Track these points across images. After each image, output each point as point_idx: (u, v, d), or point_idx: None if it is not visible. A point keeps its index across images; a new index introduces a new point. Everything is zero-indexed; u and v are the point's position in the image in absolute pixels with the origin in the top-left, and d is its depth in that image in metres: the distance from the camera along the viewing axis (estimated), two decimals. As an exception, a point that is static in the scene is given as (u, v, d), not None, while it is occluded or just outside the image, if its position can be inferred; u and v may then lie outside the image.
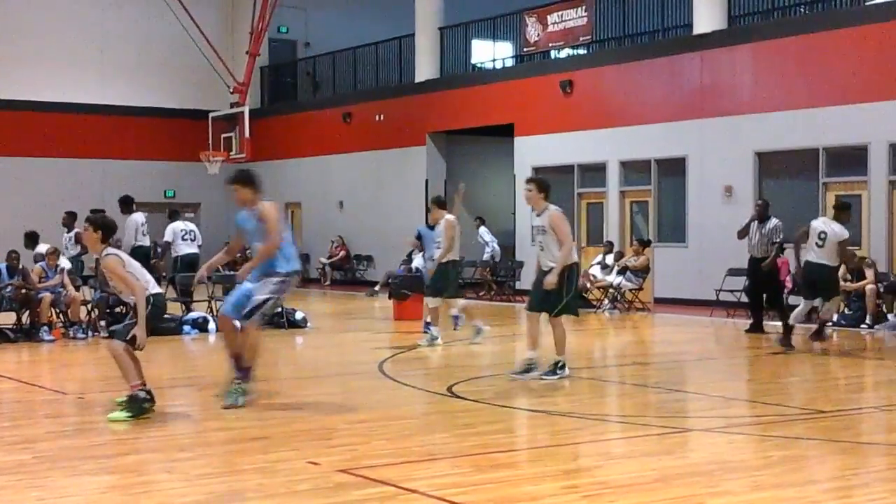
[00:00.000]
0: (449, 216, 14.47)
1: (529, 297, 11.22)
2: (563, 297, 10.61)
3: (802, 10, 20.86)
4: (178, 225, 19.10)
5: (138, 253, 16.09)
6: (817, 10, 20.60)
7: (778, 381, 11.42)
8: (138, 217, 17.92)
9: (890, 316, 16.46)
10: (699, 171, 21.09)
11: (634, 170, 22.66)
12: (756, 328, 15.56)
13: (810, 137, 19.23)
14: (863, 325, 16.22)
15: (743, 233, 15.72)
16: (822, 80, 19.29)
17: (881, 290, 16.68)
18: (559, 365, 10.74)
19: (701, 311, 18.81)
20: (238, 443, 7.79)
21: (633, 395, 10.49)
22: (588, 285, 20.18)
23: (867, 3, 19.67)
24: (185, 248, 18.86)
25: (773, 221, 15.51)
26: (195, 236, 19.12)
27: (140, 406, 8.50)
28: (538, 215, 10.97)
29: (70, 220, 18.67)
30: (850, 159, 18.88)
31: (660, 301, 20.71)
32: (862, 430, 8.80)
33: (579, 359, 12.57)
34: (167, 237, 19.12)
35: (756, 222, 15.55)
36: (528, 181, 11.27)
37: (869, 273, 16.65)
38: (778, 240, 15.45)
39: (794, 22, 20.46)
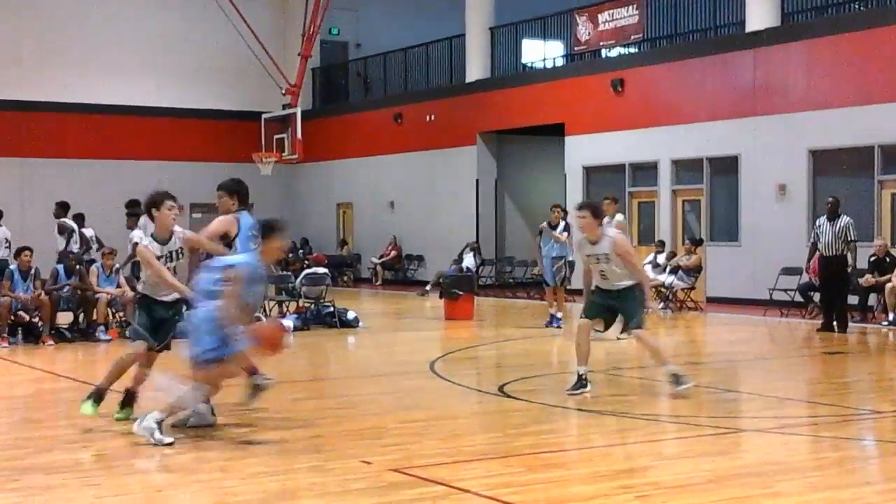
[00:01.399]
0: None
1: (591, 311, 10.13)
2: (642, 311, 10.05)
3: (855, 6, 20.61)
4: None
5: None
6: (870, 7, 20.35)
7: (833, 380, 11.31)
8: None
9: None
10: (752, 169, 20.89)
11: (686, 168, 22.50)
12: (827, 328, 15.41)
13: (865, 135, 18.99)
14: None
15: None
16: (877, 76, 19.05)
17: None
18: (676, 375, 9.97)
19: (754, 310, 18.64)
20: (291, 442, 7.84)
21: (686, 396, 10.44)
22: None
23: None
24: None
25: (845, 219, 15.43)
26: None
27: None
28: (593, 243, 9.95)
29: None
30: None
31: (712, 300, 20.54)
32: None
33: (630, 359, 12.52)
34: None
35: (827, 220, 15.46)
36: (581, 207, 10.21)
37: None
38: (853, 238, 15.34)
39: (846, 19, 20.22)
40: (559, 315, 16.21)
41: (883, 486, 6.74)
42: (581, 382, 9.85)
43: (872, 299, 17.00)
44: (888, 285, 16.34)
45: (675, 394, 9.69)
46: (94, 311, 14.96)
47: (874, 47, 19.15)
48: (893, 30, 18.89)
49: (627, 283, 9.92)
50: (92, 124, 30.59)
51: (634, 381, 11.16)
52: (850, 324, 15.60)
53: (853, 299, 16.50)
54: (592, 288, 10.08)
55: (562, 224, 16.29)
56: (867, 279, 16.66)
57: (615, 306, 9.97)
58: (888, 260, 16.87)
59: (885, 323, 16.11)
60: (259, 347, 7.76)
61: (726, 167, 21.61)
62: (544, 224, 16.48)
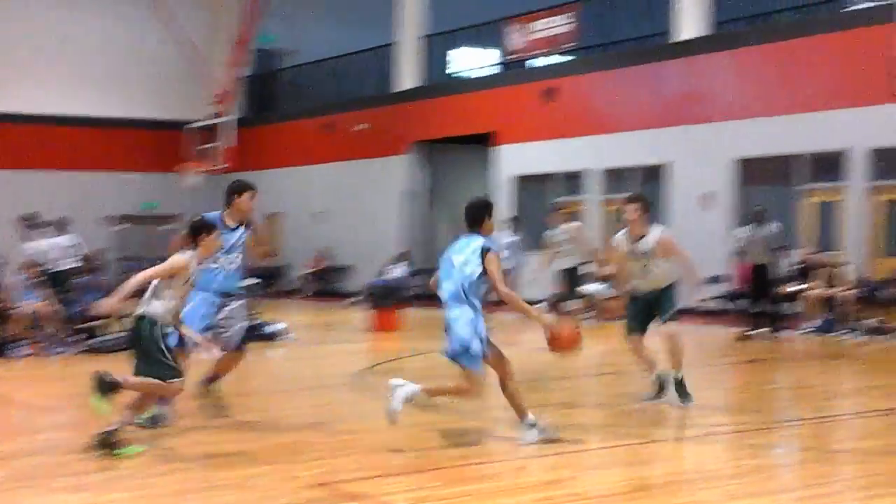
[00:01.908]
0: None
1: (637, 322, 9.95)
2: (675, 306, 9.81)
3: (783, 16, 20.96)
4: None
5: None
6: (797, 17, 20.70)
7: (756, 388, 11.43)
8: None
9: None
10: (680, 178, 21.12)
11: (616, 177, 22.68)
12: (754, 334, 15.64)
13: (791, 143, 19.30)
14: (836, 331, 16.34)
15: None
16: (803, 85, 19.37)
17: (858, 296, 16.73)
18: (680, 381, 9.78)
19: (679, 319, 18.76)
20: (213, 458, 7.73)
21: (611, 406, 10.48)
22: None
23: (844, 10, 19.74)
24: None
25: (775, 226, 15.69)
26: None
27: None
28: (636, 241, 9.64)
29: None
30: (830, 165, 18.95)
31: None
32: (835, 438, 8.81)
33: (556, 369, 12.54)
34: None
35: (754, 227, 15.68)
36: (631, 199, 9.83)
37: (844, 278, 16.74)
38: (781, 245, 15.60)
39: (774, 28, 20.55)
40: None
41: (801, 493, 6.82)
42: (662, 387, 9.72)
43: (792, 307, 17.27)
44: (811, 293, 16.61)
45: (679, 406, 9.62)
46: (10, 325, 14.54)
47: (800, 57, 19.47)
48: (818, 39, 19.24)
49: (668, 281, 9.70)
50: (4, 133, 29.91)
51: (558, 391, 11.18)
52: (764, 330, 15.83)
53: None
54: (630, 291, 9.86)
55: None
56: (789, 287, 16.90)
57: (652, 304, 9.80)
58: (812, 268, 17.15)
59: (808, 329, 16.35)
60: (558, 346, 8.22)
61: (655, 176, 21.82)
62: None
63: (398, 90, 28.17)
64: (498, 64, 26.99)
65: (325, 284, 29.34)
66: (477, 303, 7.88)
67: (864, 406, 10.26)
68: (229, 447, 8.03)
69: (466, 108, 26.07)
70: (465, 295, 7.83)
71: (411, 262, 25.39)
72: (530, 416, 8.04)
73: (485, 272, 7.81)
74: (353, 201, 29.12)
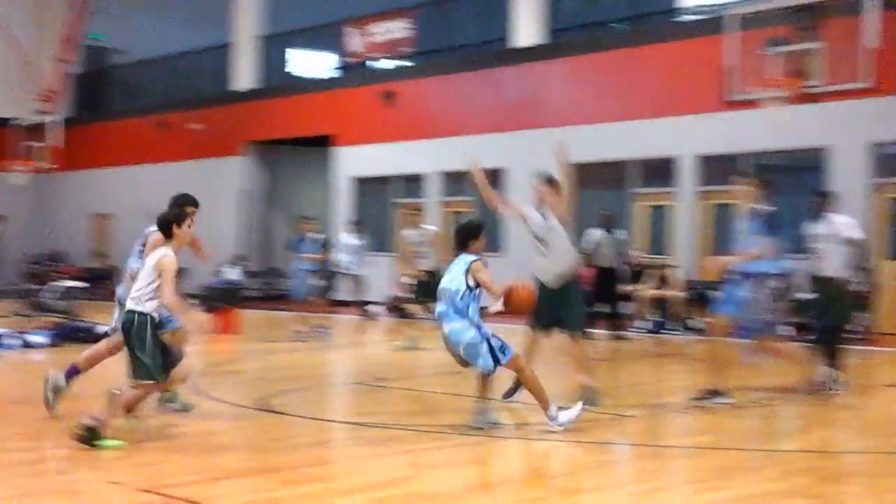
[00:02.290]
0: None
1: (541, 314, 9.71)
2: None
3: (617, 25, 21.44)
4: None
5: None
6: (631, 27, 21.21)
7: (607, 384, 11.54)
8: None
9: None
10: (517, 182, 21.35)
11: (455, 181, 22.79)
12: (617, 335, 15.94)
13: (624, 149, 19.73)
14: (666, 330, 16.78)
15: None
16: (636, 93, 19.84)
17: (687, 297, 17.23)
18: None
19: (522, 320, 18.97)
20: (37, 464, 7.38)
21: (447, 404, 10.45)
22: (403, 295, 20.19)
23: (676, 21, 20.33)
24: None
25: (622, 232, 16.03)
26: None
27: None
28: (545, 216, 9.61)
29: None
30: (661, 171, 19.45)
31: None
32: (665, 434, 8.98)
33: (395, 369, 12.49)
34: None
35: (604, 232, 15.93)
36: (543, 180, 9.78)
37: (675, 280, 17.21)
38: (628, 250, 15.90)
39: (609, 37, 21.00)
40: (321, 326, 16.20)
41: (633, 488, 6.90)
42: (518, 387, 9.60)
43: (626, 307, 17.66)
44: (643, 294, 17.00)
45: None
46: None
47: (633, 65, 19.95)
48: (653, 49, 19.73)
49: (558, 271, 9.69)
50: None
51: (396, 391, 11.10)
52: (605, 331, 16.13)
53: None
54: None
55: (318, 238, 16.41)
56: (629, 288, 17.28)
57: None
58: (644, 270, 17.56)
59: (641, 329, 16.74)
60: (515, 305, 8.56)
61: (493, 180, 21.98)
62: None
63: (235, 90, 27.70)
64: (338, 67, 26.83)
65: (159, 287, 28.52)
66: (474, 318, 8.37)
67: (693, 403, 10.50)
68: (54, 454, 7.68)
69: (305, 109, 25.81)
70: (458, 311, 8.36)
71: (248, 264, 25.02)
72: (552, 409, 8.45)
73: (474, 286, 8.34)
74: (189, 202, 28.46)
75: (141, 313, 7.77)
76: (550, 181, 9.78)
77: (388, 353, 14.82)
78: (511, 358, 8.46)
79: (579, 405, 8.58)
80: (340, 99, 25.19)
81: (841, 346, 10.92)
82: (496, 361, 8.38)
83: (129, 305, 7.85)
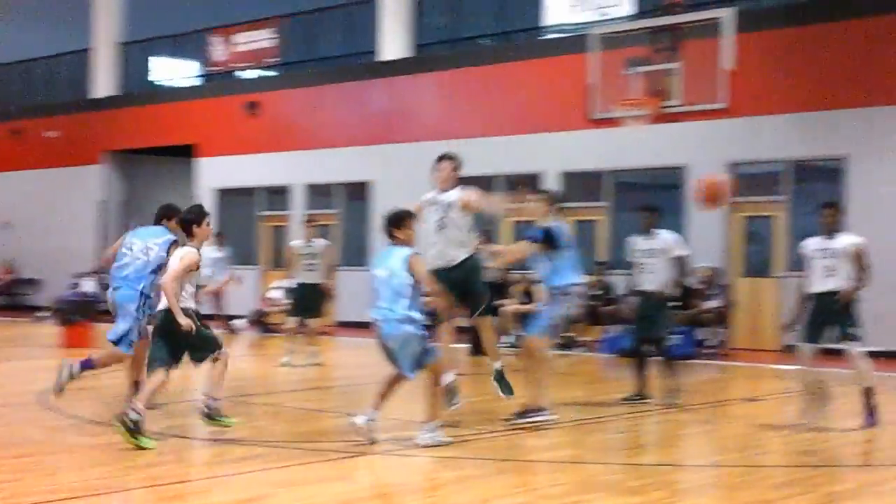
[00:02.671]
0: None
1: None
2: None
3: (483, 41, 21.63)
4: None
5: None
6: (497, 43, 21.42)
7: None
8: None
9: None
10: (384, 195, 21.32)
11: (320, 193, 22.63)
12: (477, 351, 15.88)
13: (489, 165, 19.88)
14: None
15: None
16: (501, 109, 20.02)
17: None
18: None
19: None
20: None
21: (311, 421, 10.33)
22: (268, 309, 20.01)
23: (541, 38, 20.61)
24: None
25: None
26: None
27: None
28: (443, 192, 9.89)
29: None
30: (525, 186, 19.64)
31: (345, 325, 20.72)
32: (528, 448, 9.03)
33: (257, 385, 12.28)
34: None
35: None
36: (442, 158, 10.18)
37: (539, 295, 17.39)
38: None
39: (475, 53, 21.15)
40: None
41: (508, 502, 6.91)
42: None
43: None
44: (508, 308, 17.11)
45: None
46: None
47: (501, 81, 20.13)
48: (519, 65, 19.96)
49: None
50: None
51: (260, 408, 10.91)
52: (468, 345, 16.16)
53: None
54: None
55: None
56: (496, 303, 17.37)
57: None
58: (509, 284, 17.67)
59: (505, 344, 16.81)
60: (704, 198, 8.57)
61: (359, 193, 21.94)
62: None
63: (94, 97, 26.99)
64: (200, 76, 26.40)
65: (11, 298, 27.63)
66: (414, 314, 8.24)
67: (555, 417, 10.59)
68: None
69: (166, 118, 25.31)
70: (399, 305, 8.21)
71: (105, 277, 24.33)
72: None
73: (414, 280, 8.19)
74: (43, 211, 27.62)
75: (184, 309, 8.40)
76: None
77: (251, 367, 14.58)
78: (432, 362, 8.37)
79: (444, 437, 8.52)
80: (203, 108, 24.79)
81: (664, 359, 11.13)
82: (419, 365, 8.32)
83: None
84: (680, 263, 11.06)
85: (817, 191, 17.62)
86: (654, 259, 10.94)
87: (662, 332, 11.16)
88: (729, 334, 16.82)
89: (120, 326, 9.34)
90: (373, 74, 22.14)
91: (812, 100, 16.79)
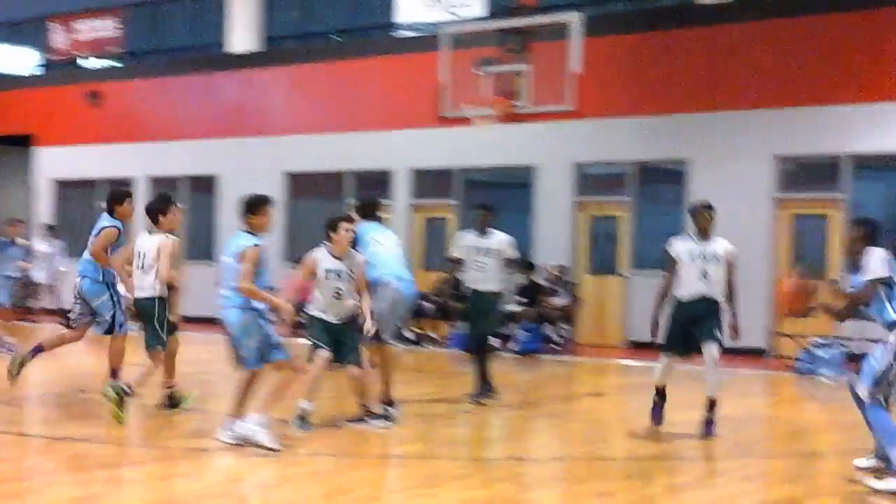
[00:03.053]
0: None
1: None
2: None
3: (334, 37, 21.48)
4: None
5: None
6: (348, 39, 21.30)
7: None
8: None
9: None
10: (231, 189, 20.97)
11: (165, 186, 22.11)
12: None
13: (338, 160, 19.77)
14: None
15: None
16: (352, 105, 19.92)
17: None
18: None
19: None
20: None
21: (153, 417, 10.05)
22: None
23: (393, 35, 20.58)
24: None
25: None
26: None
27: None
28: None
29: None
30: (376, 183, 19.61)
31: (191, 320, 20.27)
32: (372, 445, 8.96)
33: (99, 382, 11.87)
34: None
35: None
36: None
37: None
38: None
39: (327, 48, 21.00)
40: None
41: (337, 499, 6.83)
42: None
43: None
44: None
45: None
46: None
47: (353, 77, 20.02)
48: (371, 62, 19.88)
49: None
50: None
51: (98, 405, 10.56)
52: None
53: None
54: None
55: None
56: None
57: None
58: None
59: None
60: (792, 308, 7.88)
61: (205, 186, 21.52)
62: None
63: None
64: (41, 65, 25.51)
65: None
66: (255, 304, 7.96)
67: (403, 413, 10.56)
68: None
69: (4, 106, 24.35)
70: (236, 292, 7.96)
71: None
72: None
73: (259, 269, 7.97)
74: None
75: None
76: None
77: (94, 363, 14.09)
78: (281, 360, 8.08)
79: (266, 437, 7.96)
80: (43, 97, 23.93)
81: (488, 356, 11.15)
82: (262, 358, 8.01)
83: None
84: (510, 265, 11.10)
85: (661, 192, 18.09)
86: (488, 258, 10.91)
87: (489, 331, 11.19)
88: (575, 331, 17.09)
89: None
90: (221, 67, 21.76)
91: (656, 104, 17.21)
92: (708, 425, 9.00)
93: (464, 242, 11.07)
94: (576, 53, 16.68)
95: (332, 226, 8.70)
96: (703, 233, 9.19)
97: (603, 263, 17.90)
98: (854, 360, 13.81)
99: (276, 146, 20.59)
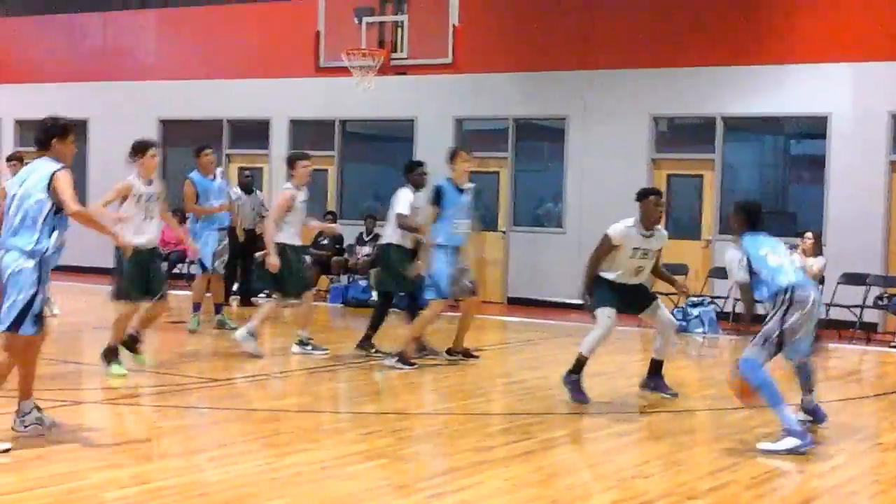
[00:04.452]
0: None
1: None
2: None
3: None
4: None
5: None
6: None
7: (177, 350, 11.19)
8: None
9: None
10: (102, 135, 20.41)
11: (31, 129, 21.35)
12: (244, 302, 15.32)
13: (215, 108, 19.37)
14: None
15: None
16: (228, 52, 19.50)
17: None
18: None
19: (98, 279, 18.14)
20: None
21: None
22: None
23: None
24: None
25: (260, 194, 15.64)
26: None
27: None
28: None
29: None
30: (253, 132, 19.29)
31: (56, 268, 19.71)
32: (252, 398, 8.87)
33: None
34: None
35: (244, 195, 15.24)
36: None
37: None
38: (266, 213, 15.13)
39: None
40: None
41: (216, 452, 6.72)
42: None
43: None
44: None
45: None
46: None
47: (224, 24, 19.59)
48: (245, 8, 19.49)
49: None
50: None
51: None
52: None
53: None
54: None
55: None
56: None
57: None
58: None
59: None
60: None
61: (75, 131, 20.86)
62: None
63: None
64: None
65: None
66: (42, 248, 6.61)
67: (281, 367, 10.47)
68: None
69: None
70: (25, 233, 6.57)
71: None
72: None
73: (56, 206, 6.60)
74: None
75: None
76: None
77: None
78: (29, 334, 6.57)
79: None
80: None
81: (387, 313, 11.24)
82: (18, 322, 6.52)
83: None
84: (398, 220, 11.02)
85: (539, 149, 18.19)
86: (390, 213, 10.96)
87: (390, 286, 11.18)
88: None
89: None
90: (89, 7, 21.07)
91: (536, 61, 17.23)
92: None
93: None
94: (455, 6, 16.59)
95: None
96: (651, 224, 8.72)
97: (482, 220, 17.93)
98: (724, 318, 14.24)
99: (148, 91, 20.07)
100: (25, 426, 6.77)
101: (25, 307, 6.51)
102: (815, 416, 7.91)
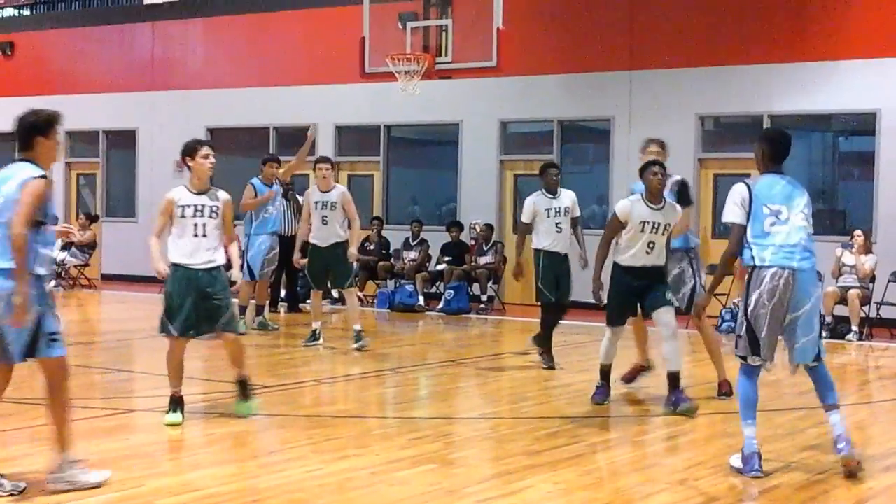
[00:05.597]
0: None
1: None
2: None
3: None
4: None
5: None
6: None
7: (224, 357, 11.26)
8: None
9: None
10: (150, 144, 20.63)
11: (81, 140, 21.66)
12: (292, 308, 15.46)
13: (261, 116, 19.51)
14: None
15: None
16: (273, 59, 19.63)
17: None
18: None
19: (151, 287, 18.34)
20: None
21: (76, 377, 9.85)
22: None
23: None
24: None
25: (300, 198, 15.73)
26: None
27: None
28: (325, 192, 11.71)
29: None
30: (300, 139, 19.37)
31: (108, 278, 19.98)
32: (300, 404, 8.93)
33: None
34: None
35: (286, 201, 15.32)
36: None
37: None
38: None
39: (247, 0, 20.62)
40: None
41: (268, 459, 6.79)
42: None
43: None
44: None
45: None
46: None
47: (272, 30, 19.72)
48: (289, 14, 19.58)
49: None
50: None
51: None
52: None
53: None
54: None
55: None
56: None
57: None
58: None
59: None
60: None
61: (123, 141, 21.13)
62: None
63: None
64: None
65: None
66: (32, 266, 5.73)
67: (329, 373, 10.54)
68: None
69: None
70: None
71: None
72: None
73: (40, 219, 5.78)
74: None
75: None
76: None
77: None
78: (56, 357, 5.95)
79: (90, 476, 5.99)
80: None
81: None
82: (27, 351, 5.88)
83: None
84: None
85: (585, 151, 18.15)
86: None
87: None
88: (501, 289, 17.13)
89: None
90: (138, 18, 21.31)
91: (580, 62, 17.19)
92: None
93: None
94: (499, 9, 16.60)
95: None
96: (655, 198, 8.47)
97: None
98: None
99: (195, 100, 20.25)
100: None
101: (35, 330, 5.75)
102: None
